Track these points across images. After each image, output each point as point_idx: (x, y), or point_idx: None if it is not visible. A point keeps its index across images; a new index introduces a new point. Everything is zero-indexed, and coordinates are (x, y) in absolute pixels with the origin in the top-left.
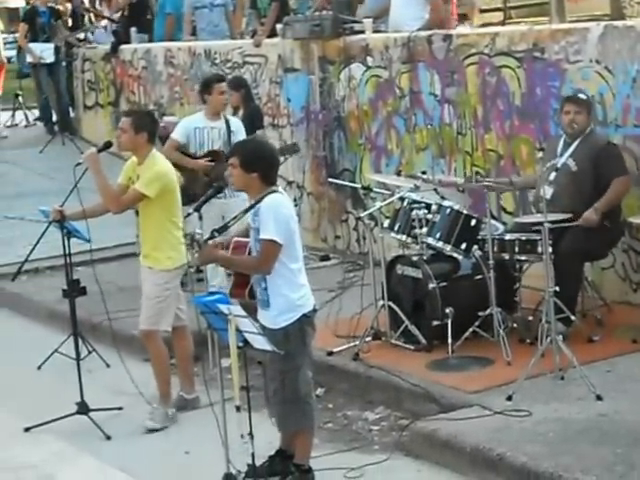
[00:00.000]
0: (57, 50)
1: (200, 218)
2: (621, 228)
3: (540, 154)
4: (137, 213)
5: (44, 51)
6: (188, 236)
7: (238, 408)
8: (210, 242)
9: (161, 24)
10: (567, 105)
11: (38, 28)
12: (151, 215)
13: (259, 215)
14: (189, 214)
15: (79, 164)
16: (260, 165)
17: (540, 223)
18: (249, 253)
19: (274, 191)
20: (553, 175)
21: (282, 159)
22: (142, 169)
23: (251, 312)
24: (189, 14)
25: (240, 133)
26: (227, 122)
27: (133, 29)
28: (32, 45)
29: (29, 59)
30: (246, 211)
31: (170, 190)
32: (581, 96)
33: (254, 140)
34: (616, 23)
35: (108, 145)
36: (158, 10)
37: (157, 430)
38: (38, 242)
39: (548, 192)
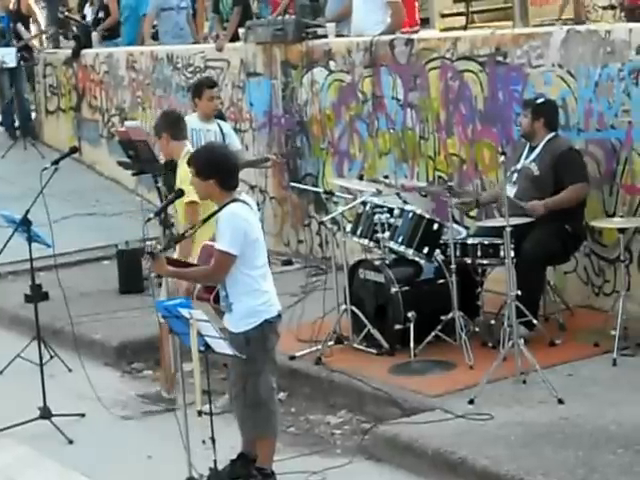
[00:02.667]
0: (20, 54)
1: (160, 222)
2: (583, 232)
3: (502, 158)
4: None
5: (5, 55)
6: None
7: (200, 413)
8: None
9: (133, 28)
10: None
11: None
12: None
13: (217, 225)
14: (149, 219)
15: (45, 169)
16: (215, 171)
17: (501, 227)
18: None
19: (236, 200)
20: (515, 176)
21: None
22: (179, 171)
23: (220, 316)
24: (152, 15)
25: (231, 136)
26: (219, 125)
27: (94, 34)
28: None
29: None
30: (204, 221)
31: None
32: (528, 99)
33: (206, 147)
34: (578, 27)
35: (74, 151)
36: (128, 14)
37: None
38: (4, 247)
39: (511, 192)
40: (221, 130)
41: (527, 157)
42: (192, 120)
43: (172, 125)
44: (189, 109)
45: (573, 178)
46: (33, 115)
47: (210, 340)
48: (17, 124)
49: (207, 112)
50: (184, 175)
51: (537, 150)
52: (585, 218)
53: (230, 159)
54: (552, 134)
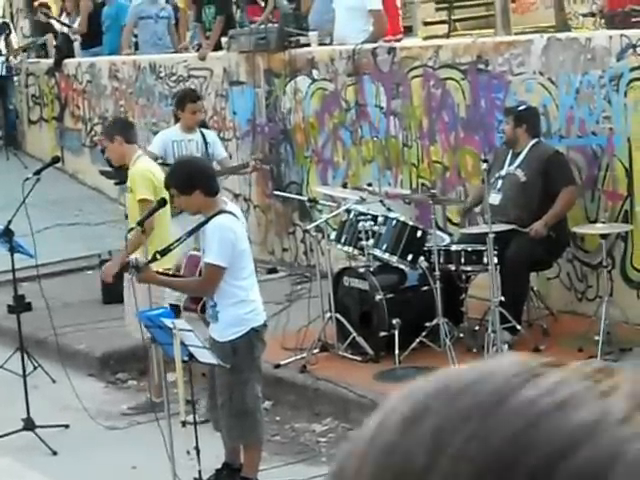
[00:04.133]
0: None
1: (143, 232)
2: (566, 238)
3: (484, 165)
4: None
5: None
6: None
7: (184, 423)
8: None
9: (115, 37)
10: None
11: None
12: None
13: (204, 237)
14: (132, 229)
15: (28, 179)
16: (197, 181)
17: (485, 233)
18: (200, 271)
19: (222, 211)
20: (500, 183)
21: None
22: (130, 172)
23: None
24: (131, 24)
25: (216, 144)
26: (202, 134)
27: (76, 44)
28: None
29: None
30: (190, 233)
31: (156, 187)
32: (509, 107)
33: (179, 163)
34: (559, 35)
35: (56, 160)
36: (110, 23)
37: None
38: None
39: (496, 199)
40: (204, 139)
41: (511, 163)
42: (173, 132)
43: (126, 129)
44: (172, 118)
45: (565, 181)
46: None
47: (194, 350)
48: (0, 134)
49: (190, 124)
50: (137, 177)
51: (521, 156)
52: (568, 224)
53: (205, 165)
54: (535, 140)
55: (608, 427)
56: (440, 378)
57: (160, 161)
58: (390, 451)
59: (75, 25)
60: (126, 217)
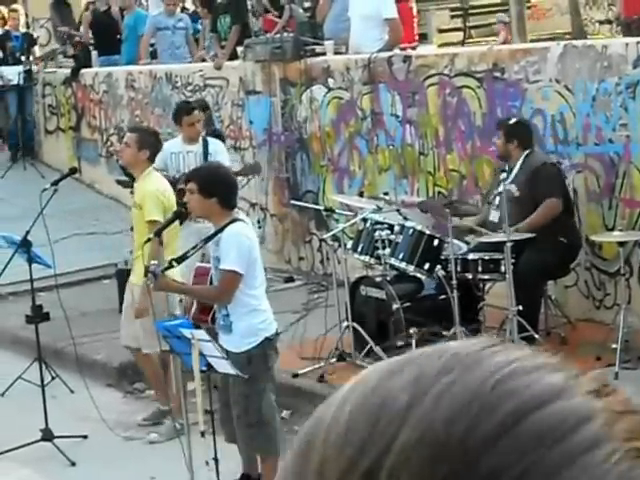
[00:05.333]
0: (28, 74)
1: (161, 243)
2: (578, 241)
3: (503, 175)
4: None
5: (10, 74)
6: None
7: (202, 434)
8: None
9: (132, 46)
10: None
11: (8, 52)
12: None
13: (220, 244)
14: (149, 239)
15: (45, 190)
16: (218, 189)
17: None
18: (211, 280)
19: (236, 219)
20: (497, 200)
21: (245, 179)
22: (137, 187)
23: (214, 337)
24: (149, 35)
25: (219, 155)
26: (205, 144)
27: (94, 52)
28: (2, 69)
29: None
30: (206, 240)
31: (166, 207)
32: (500, 121)
33: (210, 165)
34: (575, 42)
35: (73, 171)
36: (128, 33)
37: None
38: (5, 268)
39: (495, 216)
40: (205, 150)
41: (507, 178)
42: (174, 143)
43: (156, 148)
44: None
45: (547, 193)
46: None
47: (212, 360)
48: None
49: (190, 136)
50: (147, 198)
51: (514, 171)
52: (579, 227)
53: (232, 179)
54: (527, 152)
55: (578, 393)
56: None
57: (164, 174)
58: (370, 394)
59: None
60: (132, 229)
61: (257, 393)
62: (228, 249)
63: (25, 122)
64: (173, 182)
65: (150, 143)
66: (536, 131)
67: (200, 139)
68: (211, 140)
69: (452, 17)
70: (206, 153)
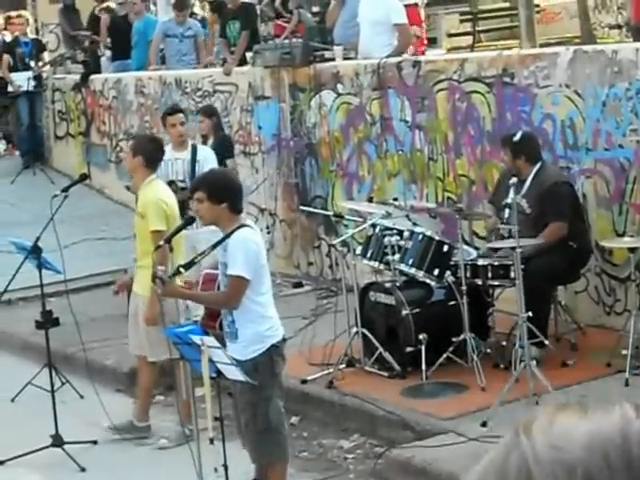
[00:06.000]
0: (38, 80)
1: (171, 250)
2: (587, 246)
3: (513, 179)
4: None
5: (19, 80)
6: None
7: (212, 441)
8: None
9: (142, 52)
10: None
11: (18, 58)
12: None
13: (228, 250)
14: (159, 246)
15: (56, 196)
16: (228, 194)
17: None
18: (218, 286)
19: (243, 225)
20: (507, 213)
21: (254, 185)
22: (140, 195)
23: (222, 343)
24: (158, 41)
25: (208, 162)
26: (194, 151)
27: (103, 59)
28: (13, 75)
29: (10, 88)
30: (214, 246)
31: (168, 216)
32: (504, 137)
33: (216, 171)
34: (586, 47)
35: (84, 178)
36: (138, 39)
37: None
38: (15, 275)
39: (505, 230)
40: (193, 157)
41: (517, 191)
42: (165, 151)
43: (151, 154)
44: (197, 134)
45: (554, 215)
46: None
47: (221, 366)
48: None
49: (175, 139)
50: (150, 207)
51: (526, 185)
52: (590, 233)
53: (238, 183)
54: (538, 165)
55: None
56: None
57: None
58: None
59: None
60: (134, 236)
61: (264, 400)
62: (235, 255)
63: (35, 128)
64: (175, 190)
65: (144, 149)
66: (546, 136)
67: (189, 146)
68: (200, 147)
69: (461, 21)
70: (194, 160)
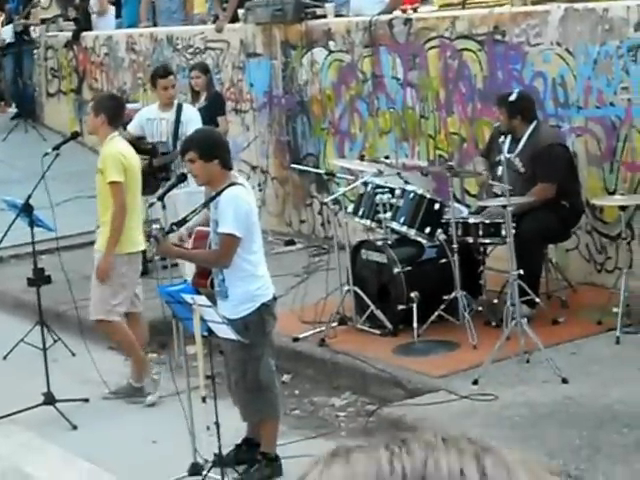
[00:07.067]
0: (27, 35)
1: (164, 207)
2: (580, 207)
3: (502, 138)
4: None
5: (4, 32)
6: (147, 229)
7: (204, 399)
8: (170, 235)
9: (133, 9)
10: None
11: (6, 15)
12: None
13: (218, 208)
14: (152, 203)
15: (47, 154)
16: (218, 151)
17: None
18: (210, 244)
19: (234, 183)
20: (500, 170)
21: (246, 142)
22: (102, 152)
23: (214, 301)
24: None
25: (192, 123)
26: (178, 112)
27: (94, 16)
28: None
29: None
30: (205, 204)
31: (126, 169)
32: (500, 97)
33: (203, 130)
34: (577, 5)
35: (75, 136)
36: None
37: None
38: (7, 233)
39: (497, 188)
40: (177, 118)
41: (510, 149)
42: (150, 110)
43: (114, 111)
44: (188, 91)
45: (543, 177)
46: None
47: (213, 325)
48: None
49: (164, 101)
50: (108, 159)
51: (521, 143)
52: (582, 192)
53: (226, 140)
54: (534, 124)
55: None
56: None
57: (148, 141)
58: None
59: None
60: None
61: (255, 359)
62: (226, 213)
63: (25, 85)
64: (153, 148)
65: (106, 107)
66: (537, 94)
67: (174, 106)
68: (186, 107)
69: None
70: (178, 121)
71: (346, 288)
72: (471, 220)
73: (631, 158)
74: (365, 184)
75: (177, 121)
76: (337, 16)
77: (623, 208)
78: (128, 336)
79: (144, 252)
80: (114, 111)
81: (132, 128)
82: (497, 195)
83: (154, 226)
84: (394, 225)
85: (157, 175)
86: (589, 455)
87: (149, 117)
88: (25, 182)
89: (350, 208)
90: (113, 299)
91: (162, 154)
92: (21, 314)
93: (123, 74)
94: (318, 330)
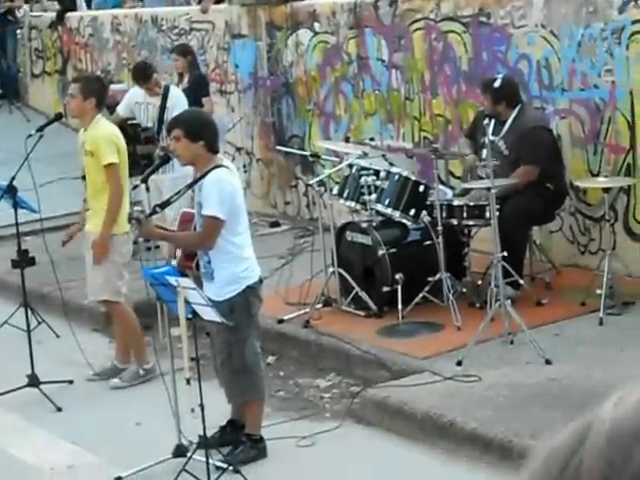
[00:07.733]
0: (12, 16)
1: (147, 189)
2: (564, 189)
3: (486, 120)
4: (84, 178)
5: None
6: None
7: (188, 381)
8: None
9: None
10: None
11: None
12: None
13: (202, 190)
14: (136, 186)
15: (30, 136)
16: (205, 132)
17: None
18: (195, 226)
19: (219, 165)
20: (484, 153)
21: (231, 123)
22: (87, 135)
23: (200, 283)
24: None
25: (177, 107)
26: (165, 96)
27: None
28: None
29: None
30: (189, 186)
31: (119, 149)
32: (485, 82)
33: (193, 110)
34: None
35: (59, 117)
36: None
37: (121, 388)
38: None
39: (482, 171)
40: (163, 103)
41: (495, 131)
42: (138, 93)
43: (101, 95)
44: (174, 71)
45: (526, 159)
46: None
47: (197, 307)
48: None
49: (151, 92)
50: (101, 141)
51: (506, 127)
52: (566, 174)
53: (215, 123)
54: (518, 107)
55: None
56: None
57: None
58: None
59: None
60: (83, 178)
61: (240, 340)
62: (210, 195)
63: (9, 66)
64: (136, 133)
65: (95, 90)
66: (521, 76)
67: (161, 90)
68: (172, 89)
69: None
70: (164, 107)
71: (331, 270)
72: (455, 202)
73: (615, 140)
74: (350, 166)
75: (162, 107)
76: None
77: (607, 190)
78: (132, 317)
79: None
80: (102, 95)
81: (121, 110)
82: (481, 177)
83: (135, 208)
84: (379, 207)
85: (140, 162)
86: None
87: (137, 101)
88: (9, 163)
89: (335, 190)
90: (119, 279)
91: (145, 139)
92: (5, 296)
93: (107, 55)
94: (303, 312)
